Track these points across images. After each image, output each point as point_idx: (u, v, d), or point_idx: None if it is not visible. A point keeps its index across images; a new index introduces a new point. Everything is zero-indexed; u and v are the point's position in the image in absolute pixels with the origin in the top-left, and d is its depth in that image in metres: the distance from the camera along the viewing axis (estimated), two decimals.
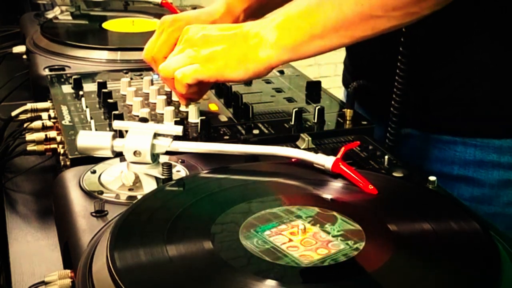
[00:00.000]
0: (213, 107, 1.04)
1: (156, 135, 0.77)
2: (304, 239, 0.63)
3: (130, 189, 0.78)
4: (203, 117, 0.95)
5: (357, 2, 0.82)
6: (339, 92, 1.23)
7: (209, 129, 0.94)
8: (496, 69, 0.94)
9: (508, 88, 0.95)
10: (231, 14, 1.09)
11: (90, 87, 1.11)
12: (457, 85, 0.96)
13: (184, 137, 0.87)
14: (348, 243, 0.62)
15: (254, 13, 1.10)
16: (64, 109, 1.02)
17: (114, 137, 0.78)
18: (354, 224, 0.65)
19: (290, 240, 0.63)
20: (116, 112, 0.96)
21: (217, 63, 0.89)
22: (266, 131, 0.95)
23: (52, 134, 1.01)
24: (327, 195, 0.72)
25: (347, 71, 1.18)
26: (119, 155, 0.79)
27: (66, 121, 0.97)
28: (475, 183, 0.98)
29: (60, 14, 1.59)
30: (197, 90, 0.94)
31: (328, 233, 0.64)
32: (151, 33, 1.08)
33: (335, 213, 0.67)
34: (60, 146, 0.97)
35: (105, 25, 1.47)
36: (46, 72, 1.21)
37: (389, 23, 0.83)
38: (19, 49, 1.41)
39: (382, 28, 0.83)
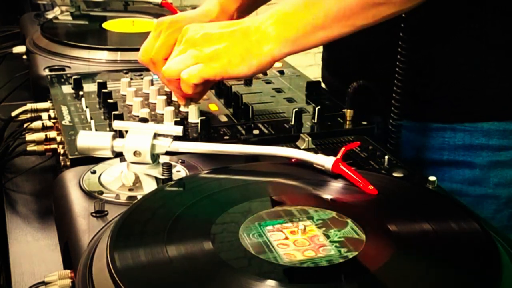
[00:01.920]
0: (213, 107, 1.04)
1: (156, 135, 0.77)
2: (299, 240, 0.63)
3: (130, 189, 0.78)
4: (203, 117, 0.95)
5: None
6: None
7: (209, 129, 0.94)
8: (482, 55, 0.96)
9: (494, 73, 0.97)
10: (226, 13, 1.09)
11: (90, 87, 1.11)
12: (445, 72, 0.98)
13: (184, 137, 0.87)
14: (341, 251, 0.62)
15: (246, 10, 1.11)
16: (64, 109, 1.02)
17: (114, 137, 0.78)
18: (361, 233, 0.64)
19: (286, 238, 0.63)
20: (116, 112, 0.96)
21: (221, 61, 0.90)
22: (266, 131, 0.95)
23: (52, 134, 1.01)
24: (327, 196, 0.72)
25: (325, 67, 1.20)
26: (119, 155, 0.79)
27: (66, 121, 0.97)
28: (465, 165, 1.00)
29: (60, 14, 1.59)
30: (203, 88, 0.95)
31: (328, 237, 0.64)
32: None
33: (348, 220, 0.67)
34: (60, 146, 0.97)
35: (105, 25, 1.47)
36: (46, 72, 1.21)
37: (389, 9, 0.84)
38: (19, 49, 1.41)
39: (383, 15, 0.85)
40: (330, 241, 0.63)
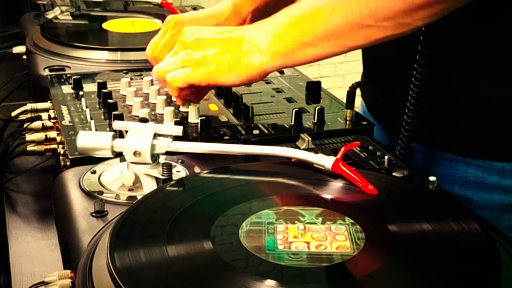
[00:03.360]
0: (213, 107, 1.04)
1: (156, 136, 0.77)
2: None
3: (130, 189, 0.78)
4: (203, 117, 0.95)
5: (347, 11, 0.80)
6: (339, 92, 1.23)
7: (209, 129, 0.94)
8: (504, 93, 0.91)
9: None
10: (238, 15, 1.08)
11: (90, 87, 1.11)
12: (465, 105, 0.93)
13: (184, 137, 0.87)
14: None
15: (261, 14, 1.08)
16: (64, 109, 1.02)
17: (114, 137, 0.78)
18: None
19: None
20: (116, 112, 0.96)
21: (207, 67, 0.89)
22: (266, 131, 0.95)
23: (52, 134, 1.01)
24: (327, 195, 0.72)
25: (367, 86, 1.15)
26: (119, 155, 0.79)
27: (66, 121, 0.97)
28: (474, 205, 0.95)
29: (60, 14, 1.59)
30: (190, 92, 0.94)
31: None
32: (151, 33, 1.08)
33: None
34: (60, 146, 0.97)
35: (105, 25, 1.47)
36: (46, 72, 1.21)
37: (380, 33, 0.81)
38: (19, 49, 1.41)
39: (374, 38, 0.82)
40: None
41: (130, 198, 0.77)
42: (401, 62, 0.98)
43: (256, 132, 0.94)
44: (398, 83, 0.98)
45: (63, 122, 0.97)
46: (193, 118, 0.98)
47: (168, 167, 0.76)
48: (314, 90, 1.11)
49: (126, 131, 0.78)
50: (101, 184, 0.80)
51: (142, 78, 1.12)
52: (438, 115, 0.96)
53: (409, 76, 0.92)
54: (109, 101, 1.01)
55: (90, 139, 0.78)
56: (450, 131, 0.96)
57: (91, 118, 0.97)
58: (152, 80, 1.09)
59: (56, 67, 1.23)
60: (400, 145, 0.96)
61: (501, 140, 0.93)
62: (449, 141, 0.96)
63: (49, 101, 1.10)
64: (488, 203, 0.95)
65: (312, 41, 0.84)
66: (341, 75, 3.99)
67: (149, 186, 0.78)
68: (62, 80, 1.15)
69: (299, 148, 0.89)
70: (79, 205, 0.75)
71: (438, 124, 0.96)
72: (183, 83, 0.90)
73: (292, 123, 0.98)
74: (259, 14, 1.09)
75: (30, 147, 1.02)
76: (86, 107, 1.01)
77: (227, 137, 0.93)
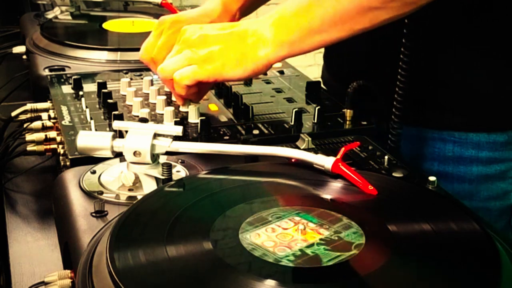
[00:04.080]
0: (213, 107, 1.04)
1: (156, 135, 0.77)
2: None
3: (130, 190, 0.78)
4: (203, 117, 0.95)
5: None
6: None
7: (209, 129, 0.94)
8: (474, 63, 0.96)
9: (484, 82, 0.97)
10: (228, 13, 1.09)
11: (90, 87, 1.11)
12: (439, 80, 0.98)
13: (184, 137, 0.87)
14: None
15: (248, 10, 1.11)
16: (64, 109, 1.02)
17: (114, 137, 0.78)
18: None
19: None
20: (116, 112, 0.96)
21: (214, 63, 0.90)
22: (266, 131, 0.95)
23: (52, 134, 1.01)
24: (327, 196, 0.72)
25: (326, 68, 1.20)
26: (119, 155, 0.79)
27: (66, 121, 0.97)
28: (454, 178, 1.00)
29: (60, 14, 1.59)
30: (196, 90, 0.94)
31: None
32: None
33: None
34: (60, 146, 0.97)
35: (105, 25, 1.47)
36: (46, 72, 1.21)
37: (387, 14, 0.83)
38: (19, 49, 1.41)
39: (380, 20, 0.84)
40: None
41: (130, 198, 0.76)
42: (371, 53, 1.03)
43: (256, 132, 0.94)
44: (372, 73, 1.01)
45: (63, 122, 0.97)
46: (193, 118, 0.98)
47: (168, 167, 0.76)
48: (314, 90, 1.11)
49: (126, 131, 0.78)
50: (101, 184, 0.80)
51: (142, 78, 1.12)
52: (417, 91, 0.98)
53: (391, 60, 0.95)
54: (109, 101, 1.01)
55: (90, 139, 0.78)
56: (424, 107, 1.01)
57: (91, 118, 0.97)
58: (152, 80, 1.09)
59: (56, 67, 1.23)
60: (391, 132, 0.97)
61: (473, 112, 0.98)
62: (423, 117, 1.01)
63: (49, 101, 1.10)
64: (467, 175, 1.00)
65: (319, 28, 0.85)
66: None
67: (149, 186, 0.78)
68: (62, 80, 1.15)
69: (299, 148, 0.89)
70: (79, 205, 0.75)
71: (412, 101, 0.98)
72: (191, 80, 0.90)
73: (292, 123, 0.98)
74: (245, 10, 1.11)
75: (30, 147, 1.02)
76: (86, 107, 1.01)
77: (227, 137, 0.93)
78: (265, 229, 0.65)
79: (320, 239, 0.63)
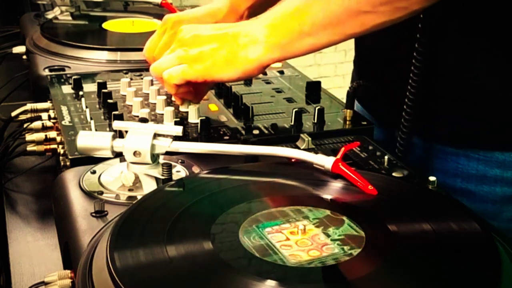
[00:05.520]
0: (213, 107, 1.04)
1: (156, 136, 0.77)
2: (301, 240, 0.63)
3: (130, 190, 0.78)
4: (203, 117, 0.95)
5: None
6: (339, 92, 1.23)
7: (209, 129, 0.94)
8: (504, 85, 0.92)
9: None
10: (235, 12, 1.08)
11: (90, 87, 1.11)
12: (464, 97, 0.93)
13: (184, 137, 0.87)
14: (344, 248, 0.62)
15: (257, 10, 1.09)
16: (64, 109, 1.02)
17: (114, 137, 0.78)
18: (359, 230, 0.64)
19: (287, 239, 0.63)
20: (116, 112, 0.96)
21: (204, 63, 0.89)
22: (266, 131, 0.95)
23: (52, 134, 1.01)
24: (327, 196, 0.72)
25: (356, 72, 1.17)
26: (119, 155, 0.79)
27: (66, 121, 0.97)
28: (476, 198, 0.96)
29: (60, 14, 1.59)
30: (187, 90, 0.94)
31: (328, 236, 0.64)
32: (151, 34, 1.08)
33: (344, 218, 0.67)
34: (60, 146, 0.97)
35: (105, 25, 1.47)
36: (46, 72, 1.21)
37: (378, 19, 0.82)
38: (19, 49, 1.41)
39: (372, 24, 0.83)
40: (332, 240, 0.63)
41: (130, 198, 0.77)
42: (394, 56, 0.99)
43: (256, 132, 0.94)
44: (392, 77, 0.99)
45: (63, 122, 0.97)
46: (193, 118, 0.98)
47: (168, 167, 0.76)
48: (314, 90, 1.11)
49: (126, 131, 0.78)
50: (101, 184, 0.80)
51: (142, 78, 1.12)
52: (435, 107, 0.96)
53: (403, 70, 0.93)
54: (109, 101, 1.01)
55: (90, 139, 0.78)
56: (449, 123, 0.96)
57: (91, 118, 0.97)
58: (152, 80, 1.09)
59: (56, 67, 1.23)
60: (399, 141, 0.96)
61: (499, 130, 0.94)
62: (449, 135, 0.97)
63: (49, 101, 1.10)
64: (491, 196, 0.96)
65: (310, 31, 0.84)
66: (341, 75, 3.99)
67: (149, 186, 0.78)
68: (62, 80, 1.15)
69: (299, 148, 0.89)
70: (79, 205, 0.75)
71: (435, 116, 0.97)
72: (179, 79, 0.90)
73: (292, 123, 0.98)
74: (255, 11, 1.09)
75: (30, 147, 1.02)
76: (86, 107, 1.01)
77: (227, 137, 0.93)
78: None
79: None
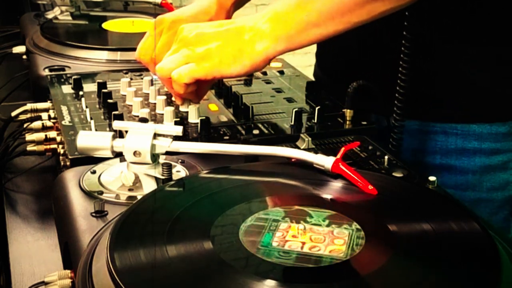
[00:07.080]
0: (213, 107, 1.04)
1: (156, 135, 0.77)
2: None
3: (130, 189, 0.78)
4: (203, 117, 0.95)
5: None
6: None
7: (209, 129, 0.94)
8: (473, 57, 0.97)
9: (484, 75, 0.98)
10: (223, 9, 1.09)
11: (90, 87, 1.11)
12: (439, 73, 0.98)
13: (184, 137, 0.87)
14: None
15: (239, 4, 1.11)
16: (64, 109, 1.02)
17: (114, 137, 0.78)
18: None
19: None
20: (116, 112, 0.96)
21: (212, 61, 0.89)
22: (266, 131, 0.95)
23: (52, 134, 1.01)
24: (327, 196, 0.72)
25: (318, 64, 1.20)
26: (119, 155, 0.79)
27: (66, 121, 0.97)
28: (457, 170, 1.00)
29: (60, 14, 1.59)
30: (195, 89, 0.94)
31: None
32: None
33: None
34: (60, 146, 0.97)
35: (105, 25, 1.47)
36: (46, 72, 1.21)
37: (384, 6, 0.83)
38: (19, 49, 1.41)
39: (378, 12, 0.84)
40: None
41: (130, 198, 0.76)
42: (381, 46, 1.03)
43: (256, 132, 0.94)
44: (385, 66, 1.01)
45: (63, 122, 0.97)
46: (193, 118, 0.98)
47: (168, 167, 0.76)
48: (314, 90, 1.11)
49: (126, 131, 0.78)
50: (101, 184, 0.80)
51: (142, 78, 1.12)
52: (419, 90, 0.99)
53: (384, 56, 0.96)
54: (109, 101, 1.01)
55: (90, 139, 0.78)
56: (426, 99, 1.01)
57: (91, 118, 0.97)
58: (152, 80, 1.08)
59: (56, 67, 1.23)
60: (393, 124, 0.97)
61: (476, 104, 0.99)
62: (426, 110, 1.01)
63: (49, 101, 1.10)
64: (470, 167, 1.01)
65: (317, 21, 0.85)
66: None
67: (149, 186, 0.78)
68: (62, 80, 1.15)
69: (299, 148, 0.89)
70: (79, 205, 0.75)
71: (416, 94, 0.99)
72: (189, 78, 0.90)
73: (292, 123, 0.98)
74: (237, 5, 1.11)
75: (30, 147, 1.02)
76: (86, 107, 1.01)
77: (227, 137, 0.93)
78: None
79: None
